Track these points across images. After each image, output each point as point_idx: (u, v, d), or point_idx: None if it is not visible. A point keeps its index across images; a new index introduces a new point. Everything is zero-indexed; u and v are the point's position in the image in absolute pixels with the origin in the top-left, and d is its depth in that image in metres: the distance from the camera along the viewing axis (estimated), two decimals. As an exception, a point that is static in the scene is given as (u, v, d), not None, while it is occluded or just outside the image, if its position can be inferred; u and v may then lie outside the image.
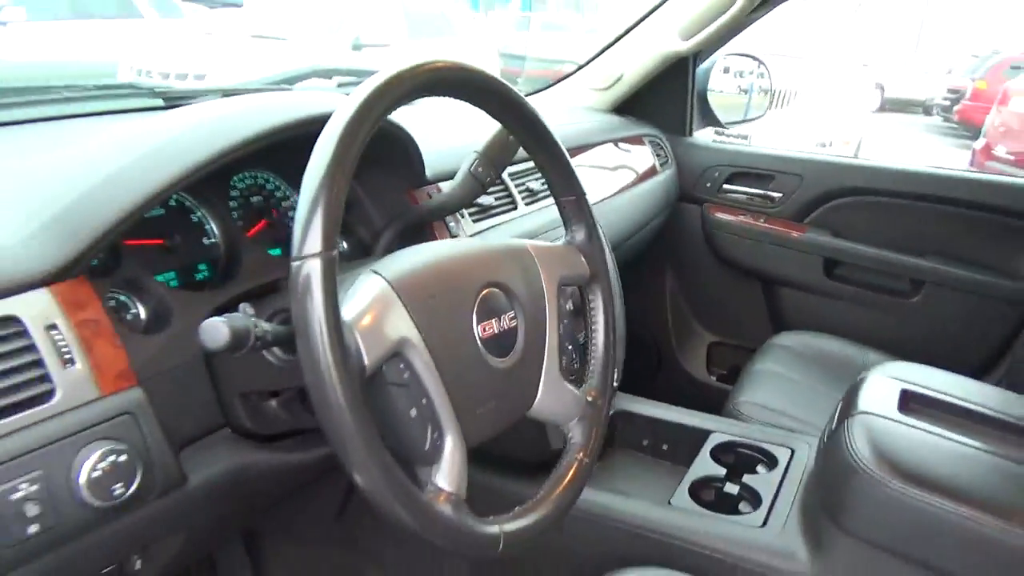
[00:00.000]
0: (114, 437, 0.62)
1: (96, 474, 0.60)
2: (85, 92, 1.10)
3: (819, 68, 6.81)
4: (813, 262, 1.87)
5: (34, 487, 0.58)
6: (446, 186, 0.99)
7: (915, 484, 0.88)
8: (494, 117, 0.80)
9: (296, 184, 0.92)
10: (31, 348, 0.60)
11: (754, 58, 2.13)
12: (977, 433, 0.98)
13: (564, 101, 1.93)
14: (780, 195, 1.91)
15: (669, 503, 1.11)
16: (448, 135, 1.17)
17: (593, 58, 1.92)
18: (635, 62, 1.85)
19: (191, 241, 0.85)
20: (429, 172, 1.03)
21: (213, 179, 0.83)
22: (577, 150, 1.64)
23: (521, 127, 0.81)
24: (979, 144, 6.25)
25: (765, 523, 1.06)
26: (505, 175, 1.24)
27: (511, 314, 0.75)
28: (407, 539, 1.31)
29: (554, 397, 0.79)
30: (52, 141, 0.90)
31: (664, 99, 1.93)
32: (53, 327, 0.62)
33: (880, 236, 1.81)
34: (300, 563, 1.39)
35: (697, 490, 1.16)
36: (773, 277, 1.94)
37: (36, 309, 0.61)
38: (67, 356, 0.62)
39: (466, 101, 0.74)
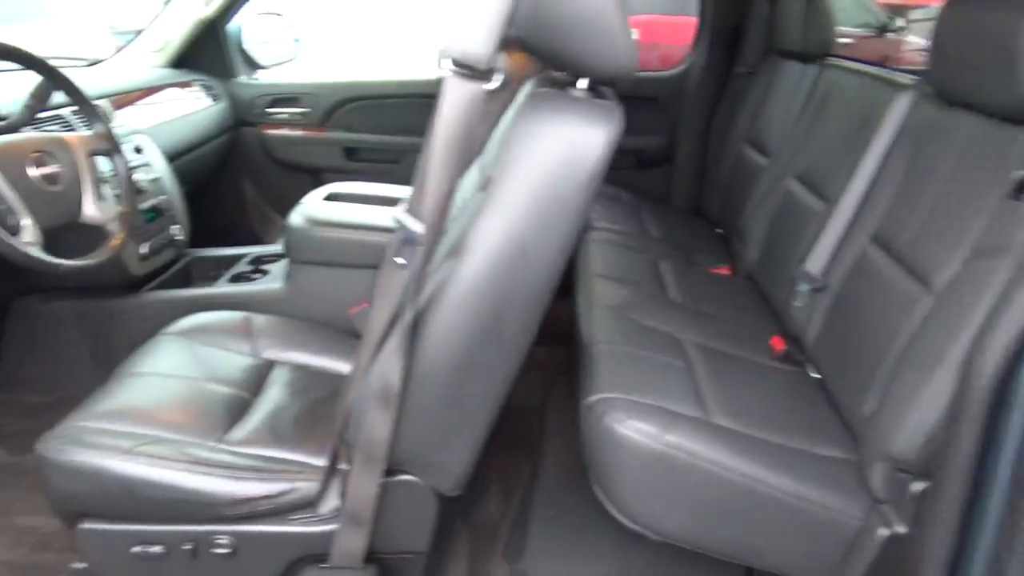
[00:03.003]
0: None
1: None
2: None
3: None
4: (337, 152, 2.77)
5: None
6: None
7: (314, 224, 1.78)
8: (32, 70, 1.49)
9: None
10: None
11: (278, 15, 2.93)
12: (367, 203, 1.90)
13: (131, 61, 2.57)
14: (309, 110, 2.76)
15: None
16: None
17: (146, 28, 2.58)
18: (178, 27, 2.56)
19: None
20: None
21: None
22: (142, 93, 2.33)
23: (41, 72, 1.51)
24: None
25: None
26: (69, 113, 1.89)
27: (56, 165, 1.47)
28: None
29: (96, 208, 1.53)
30: None
31: (208, 52, 2.66)
32: None
33: (374, 126, 2.75)
34: None
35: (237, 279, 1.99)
36: (313, 167, 2.81)
37: None
38: None
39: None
